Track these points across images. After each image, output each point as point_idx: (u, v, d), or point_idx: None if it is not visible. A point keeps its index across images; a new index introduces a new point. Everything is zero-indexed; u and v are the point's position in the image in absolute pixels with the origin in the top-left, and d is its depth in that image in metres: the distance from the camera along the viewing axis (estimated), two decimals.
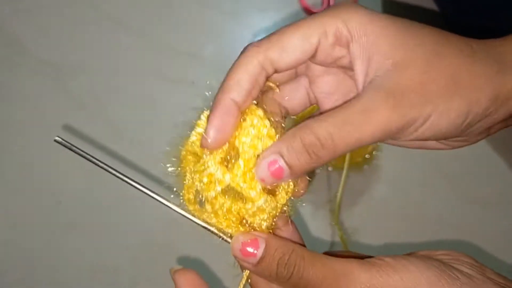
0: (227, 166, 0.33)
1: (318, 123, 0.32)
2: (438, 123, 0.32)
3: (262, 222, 0.34)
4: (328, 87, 0.38)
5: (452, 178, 0.78)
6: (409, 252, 0.35)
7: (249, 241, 0.33)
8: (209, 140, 0.32)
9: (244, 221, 0.35)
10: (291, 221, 0.37)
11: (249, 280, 0.36)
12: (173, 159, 0.36)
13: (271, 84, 0.36)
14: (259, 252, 0.32)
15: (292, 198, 0.35)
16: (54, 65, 0.77)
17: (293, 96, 0.39)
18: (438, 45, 0.33)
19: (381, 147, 0.75)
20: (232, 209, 0.34)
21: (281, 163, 0.32)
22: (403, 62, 0.32)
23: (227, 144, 0.33)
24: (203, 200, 0.34)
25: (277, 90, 0.37)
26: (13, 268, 0.74)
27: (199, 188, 0.34)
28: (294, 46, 0.33)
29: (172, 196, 0.35)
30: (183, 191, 0.35)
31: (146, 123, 0.78)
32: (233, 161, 0.33)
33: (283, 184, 0.34)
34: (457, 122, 0.33)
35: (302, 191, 0.36)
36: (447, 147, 0.38)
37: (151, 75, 0.78)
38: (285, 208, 0.35)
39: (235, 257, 0.33)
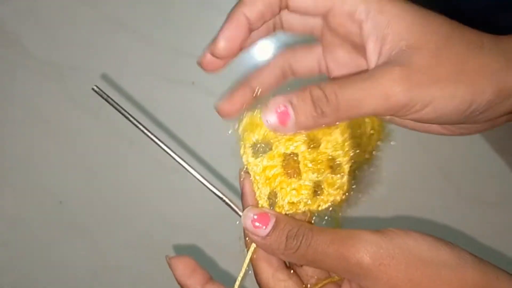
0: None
1: (327, 82, 0.34)
2: (442, 107, 0.33)
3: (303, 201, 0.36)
4: (340, 59, 0.40)
5: (452, 178, 0.78)
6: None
7: (259, 215, 0.35)
8: (217, 49, 0.35)
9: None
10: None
11: (253, 256, 0.37)
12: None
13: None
14: (270, 225, 0.34)
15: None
16: (54, 65, 0.77)
17: (304, 59, 0.41)
18: (450, 34, 0.34)
19: (381, 148, 0.75)
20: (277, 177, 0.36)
21: (289, 109, 0.33)
22: (416, 45, 0.34)
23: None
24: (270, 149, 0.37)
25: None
26: (13, 268, 0.74)
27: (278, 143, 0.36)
28: None
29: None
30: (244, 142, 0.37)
31: (146, 123, 0.77)
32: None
33: (325, 193, 0.38)
34: (460, 108, 0.34)
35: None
36: (451, 133, 0.39)
37: (151, 75, 0.78)
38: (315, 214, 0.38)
39: (246, 228, 0.35)
